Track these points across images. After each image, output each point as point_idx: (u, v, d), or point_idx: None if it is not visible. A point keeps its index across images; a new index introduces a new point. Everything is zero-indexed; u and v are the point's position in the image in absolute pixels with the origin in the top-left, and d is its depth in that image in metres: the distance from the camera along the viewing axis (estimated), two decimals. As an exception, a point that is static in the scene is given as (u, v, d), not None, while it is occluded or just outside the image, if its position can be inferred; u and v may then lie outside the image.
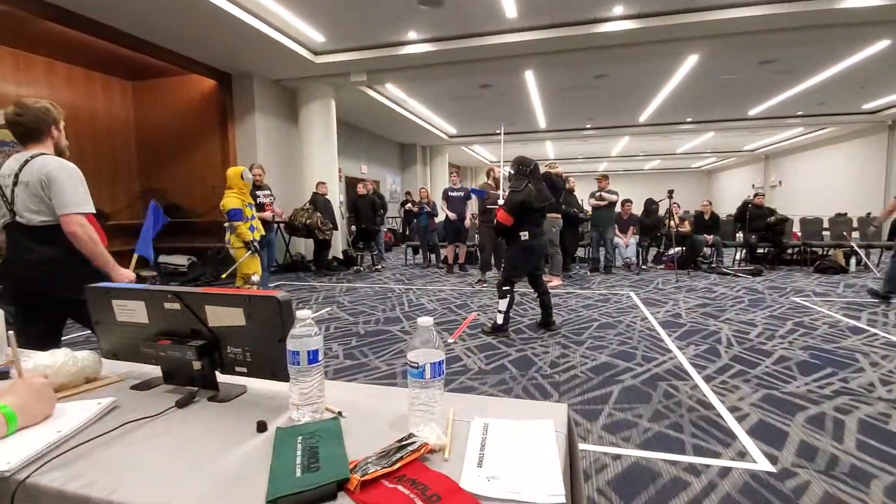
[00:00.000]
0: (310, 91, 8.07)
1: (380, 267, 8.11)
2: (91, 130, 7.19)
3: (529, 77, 8.20)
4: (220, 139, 7.83)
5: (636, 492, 1.77)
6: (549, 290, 4.19)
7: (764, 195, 8.30)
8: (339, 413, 0.83)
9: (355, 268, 8.09)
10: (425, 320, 0.77)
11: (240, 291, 0.93)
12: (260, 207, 5.29)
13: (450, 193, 7.19)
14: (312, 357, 0.80)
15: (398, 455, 0.65)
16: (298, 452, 0.67)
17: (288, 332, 0.82)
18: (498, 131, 13.05)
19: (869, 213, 8.53)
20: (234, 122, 7.69)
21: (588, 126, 12.88)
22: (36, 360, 0.94)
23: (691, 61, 7.39)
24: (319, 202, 7.41)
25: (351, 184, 11.39)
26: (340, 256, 8.41)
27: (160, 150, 8.03)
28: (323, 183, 7.61)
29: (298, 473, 0.62)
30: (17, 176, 1.88)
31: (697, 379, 2.90)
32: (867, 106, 10.83)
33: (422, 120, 11.61)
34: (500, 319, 3.90)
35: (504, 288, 3.87)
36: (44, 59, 6.63)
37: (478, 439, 0.72)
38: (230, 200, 4.32)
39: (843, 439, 2.14)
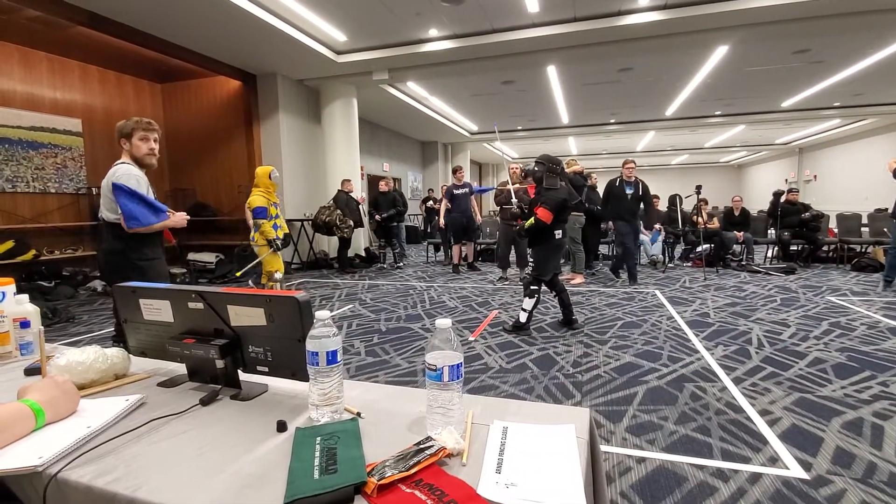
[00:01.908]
0: (332, 90, 8.15)
1: (402, 264, 8.15)
2: (123, 132, 7.43)
3: (552, 72, 8.09)
4: (246, 139, 7.99)
5: (661, 496, 1.73)
6: (569, 288, 4.13)
7: (798, 190, 7.98)
8: (358, 414, 0.83)
9: (378, 265, 8.15)
10: (443, 322, 0.76)
11: (261, 292, 0.94)
12: None
13: (454, 192, 7.11)
14: (331, 358, 0.80)
15: (416, 459, 0.64)
16: (317, 454, 0.68)
17: (307, 332, 0.82)
18: (520, 127, 12.95)
19: (886, 209, 8.11)
20: (258, 122, 7.84)
21: (612, 121, 12.64)
22: (69, 357, 0.97)
23: (720, 52, 7.16)
24: (342, 200, 7.49)
25: (373, 182, 11.50)
26: (363, 254, 8.48)
27: (188, 150, 8.25)
28: (348, 180, 7.67)
29: (316, 475, 0.62)
30: (106, 184, 2.42)
31: (726, 381, 2.82)
32: (910, 95, 10.29)
33: (443, 117, 11.60)
34: (523, 318, 3.87)
35: (532, 287, 3.83)
36: (78, 63, 6.89)
37: (497, 444, 0.70)
38: (256, 199, 4.41)
39: (882, 446, 2.05)
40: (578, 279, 6.22)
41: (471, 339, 3.78)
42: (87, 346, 1.02)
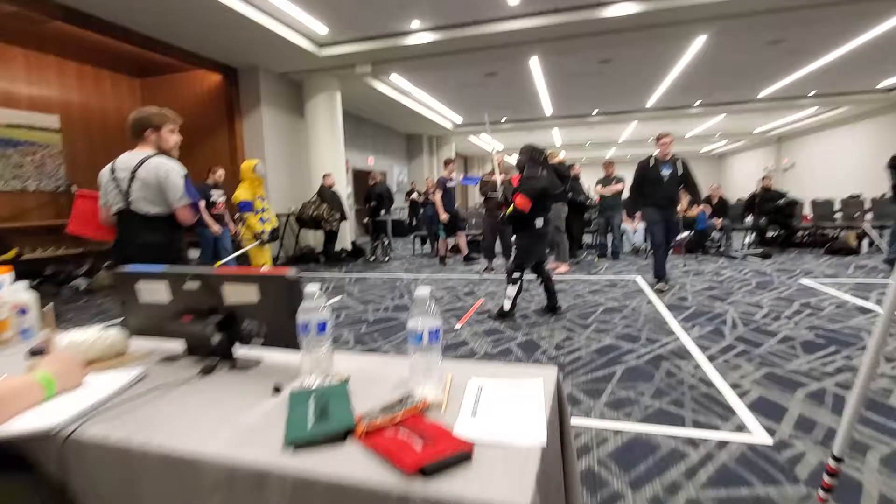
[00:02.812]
0: (315, 84, 8.13)
1: (388, 258, 8.20)
2: (102, 127, 7.33)
3: (535, 64, 8.17)
4: (228, 133, 7.94)
5: (635, 463, 1.84)
6: (555, 277, 4.24)
7: (771, 178, 8.24)
8: (347, 378, 0.91)
9: (365, 258, 8.20)
10: (423, 290, 0.84)
11: (253, 271, 1.00)
12: (212, 205, 5.42)
13: (447, 184, 7.17)
14: (321, 328, 0.88)
15: (399, 408, 0.72)
16: (311, 409, 0.75)
17: (298, 306, 0.89)
18: (504, 119, 13.02)
19: (884, 195, 8.42)
20: (241, 116, 7.79)
21: (595, 112, 12.78)
22: (71, 338, 1.03)
23: (699, 43, 7.30)
24: (326, 194, 7.51)
25: (358, 176, 11.49)
26: (349, 248, 8.52)
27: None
28: (329, 175, 7.70)
29: (311, 424, 0.70)
30: (134, 172, 2.33)
31: (700, 359, 2.95)
32: (882, 84, 10.61)
33: (427, 109, 11.62)
34: (507, 305, 3.97)
35: (514, 275, 3.93)
36: (55, 59, 6.76)
37: (472, 396, 0.79)
38: (241, 192, 4.44)
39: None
40: (563, 268, 6.34)
41: (457, 326, 3.87)
42: (87, 328, 1.08)
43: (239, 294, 0.98)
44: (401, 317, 4.25)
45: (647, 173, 4.93)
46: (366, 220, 8.22)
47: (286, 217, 7.90)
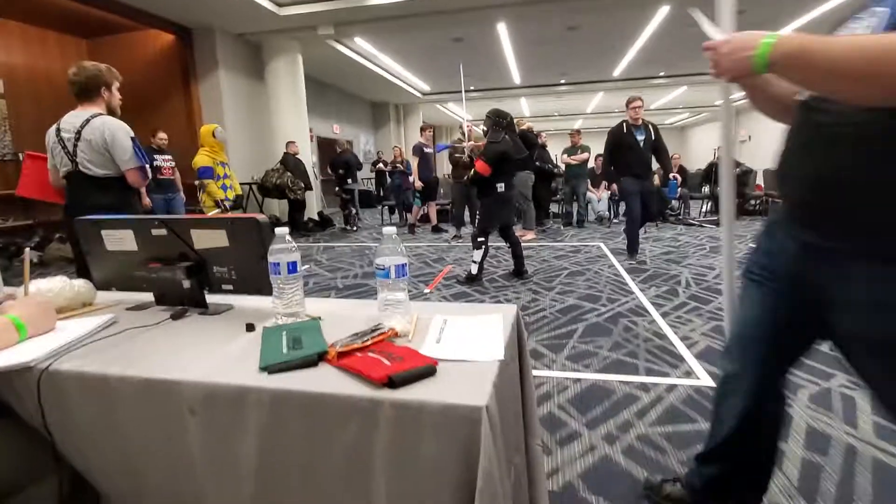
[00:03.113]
0: (275, 46, 7.79)
1: (356, 228, 8.14)
2: (49, 91, 6.82)
3: (502, 29, 8.08)
4: (184, 98, 7.56)
5: (592, 406, 1.98)
6: (522, 243, 4.35)
7: (727, 149, 8.57)
8: (319, 318, 0.95)
9: (345, 227, 8.08)
10: (389, 230, 0.88)
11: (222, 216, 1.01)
12: (157, 170, 5.29)
13: (424, 150, 7.11)
14: (292, 268, 0.91)
15: (369, 335, 0.77)
16: (284, 341, 0.79)
17: (268, 249, 0.92)
18: (472, 87, 12.89)
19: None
20: (197, 80, 7.42)
21: (562, 81, 12.81)
22: (38, 285, 1.02)
23: (662, 13, 7.38)
24: (290, 162, 7.32)
25: (323, 144, 11.20)
26: (316, 218, 8.39)
27: (122, 110, 7.72)
28: (293, 142, 7.50)
29: (285, 351, 0.74)
30: (79, 132, 2.25)
31: (655, 315, 3.14)
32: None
33: (393, 76, 11.35)
34: (474, 270, 4.06)
35: (479, 239, 4.01)
36: (-7, 17, 6.22)
37: (438, 327, 0.85)
38: (200, 158, 4.29)
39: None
40: (529, 235, 6.48)
41: (426, 290, 3.94)
42: (53, 277, 1.07)
43: (208, 239, 0.99)
44: (370, 283, 4.28)
45: (620, 139, 4.69)
46: (336, 189, 8.08)
47: (248, 186, 7.68)
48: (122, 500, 0.84)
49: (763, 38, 0.66)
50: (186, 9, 6.47)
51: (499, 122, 3.92)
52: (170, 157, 5.69)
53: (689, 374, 2.26)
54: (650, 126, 4.72)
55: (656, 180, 7.01)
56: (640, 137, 4.63)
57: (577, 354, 2.52)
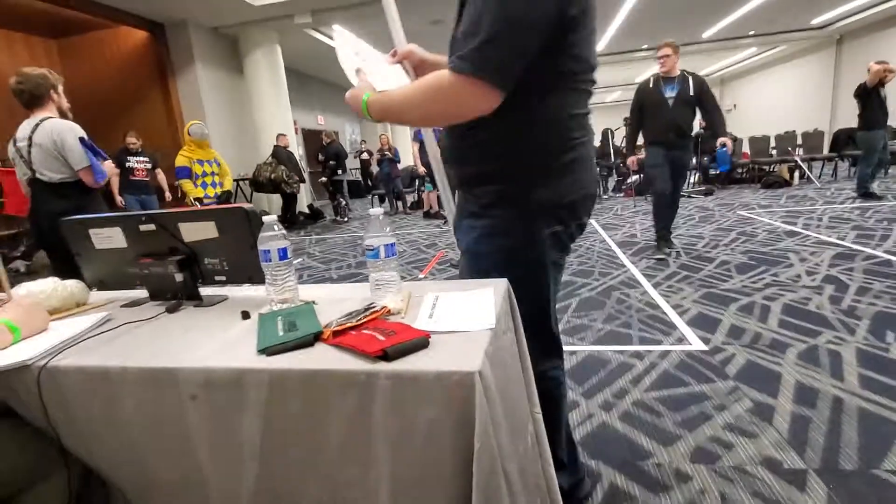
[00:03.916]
0: (252, 38, 7.65)
1: (346, 219, 8.11)
2: (19, 96, 6.70)
3: (482, 9, 7.96)
4: (162, 96, 7.43)
5: (588, 376, 2.02)
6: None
7: (713, 118, 8.58)
8: (313, 302, 0.96)
9: (335, 218, 8.04)
10: (376, 211, 0.89)
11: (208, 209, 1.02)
12: (130, 172, 5.27)
13: (421, 136, 7.02)
14: (282, 254, 0.92)
15: (363, 314, 0.79)
16: (280, 325, 0.80)
17: (257, 238, 0.93)
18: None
19: (815, 129, 9.04)
20: (174, 77, 7.28)
21: (546, 59, 12.68)
22: (29, 287, 1.02)
23: (642, -17, 7.32)
24: (282, 155, 7.24)
25: (308, 136, 11.08)
26: (306, 210, 8.35)
27: (95, 113, 7.54)
28: (283, 135, 7.41)
29: (281, 334, 0.76)
30: (30, 139, 2.24)
31: (647, 286, 3.18)
32: (815, 21, 11.04)
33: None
34: (466, 252, 4.07)
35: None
36: (-47, 19, 6.04)
37: (430, 304, 0.86)
38: (178, 158, 4.28)
39: (768, 320, 2.46)
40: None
41: (420, 276, 3.96)
42: (45, 278, 1.07)
43: (197, 232, 0.99)
44: (364, 272, 4.29)
45: (645, 97, 3.77)
46: (323, 179, 8.01)
47: (236, 182, 7.60)
48: (131, 491, 0.85)
49: (363, 94, 0.99)
50: (157, 3, 6.32)
51: None
52: (146, 158, 5.60)
53: (681, 340, 2.31)
54: (688, 78, 3.65)
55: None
56: (670, 94, 3.62)
57: (572, 328, 2.56)
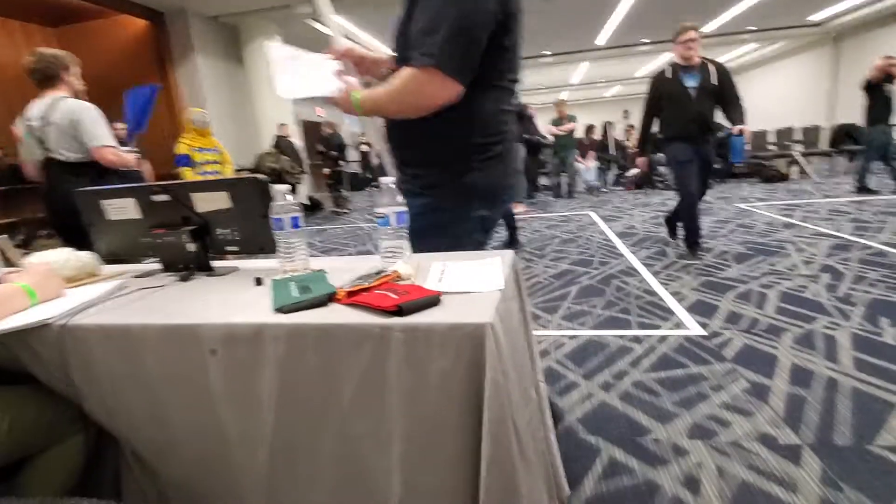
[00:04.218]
0: (252, 27, 7.62)
1: (347, 210, 8.12)
2: (17, 84, 6.65)
3: (483, 1, 7.94)
4: (162, 84, 7.39)
5: (588, 359, 2.05)
6: (514, 214, 4.39)
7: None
8: (324, 270, 0.99)
9: (331, 210, 8.04)
10: (387, 179, 0.91)
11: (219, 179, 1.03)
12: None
13: None
14: (294, 223, 0.94)
15: (374, 277, 0.81)
16: (293, 288, 0.83)
17: (269, 208, 0.95)
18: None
19: (813, 124, 9.08)
20: (173, 66, 7.25)
21: (546, 52, 12.67)
22: (43, 256, 1.04)
23: (643, -24, 7.30)
24: (284, 145, 7.23)
25: (306, 128, 11.04)
26: (306, 202, 8.35)
27: (94, 101, 7.48)
28: (285, 125, 7.39)
29: (295, 295, 0.78)
30: (46, 118, 2.23)
31: (646, 274, 3.21)
32: (813, 17, 11.04)
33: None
34: (467, 241, 4.10)
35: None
36: (-49, 6, 5.99)
37: (438, 270, 0.89)
38: (178, 146, 4.28)
39: (765, 307, 2.49)
40: (520, 208, 6.51)
41: (421, 264, 3.99)
42: (58, 249, 1.08)
43: (210, 202, 1.01)
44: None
45: (663, 88, 3.38)
46: (326, 171, 8.01)
47: (236, 173, 7.59)
48: (148, 449, 0.88)
49: (353, 93, 1.09)
50: (158, -9, 6.28)
51: None
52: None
53: (679, 325, 2.34)
54: (710, 67, 3.27)
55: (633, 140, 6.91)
56: (692, 84, 3.24)
57: (572, 314, 2.59)
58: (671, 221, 3.96)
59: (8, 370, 0.89)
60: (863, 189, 5.84)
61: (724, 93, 3.31)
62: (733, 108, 3.32)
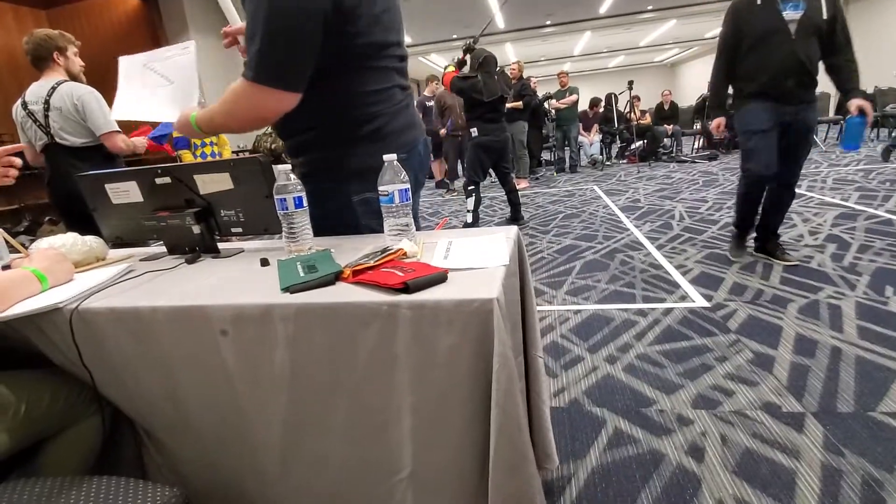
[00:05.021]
0: (247, 4, 7.44)
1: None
2: (10, 67, 6.57)
3: (482, -30, 7.72)
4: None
5: (593, 333, 2.07)
6: (518, 190, 4.36)
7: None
8: (329, 249, 0.99)
9: None
10: (389, 157, 0.90)
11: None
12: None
13: (427, 104, 6.87)
14: (298, 202, 0.94)
15: (380, 255, 0.81)
16: (300, 267, 0.83)
17: (272, 187, 0.94)
18: (455, 36, 12.45)
19: (822, 91, 8.88)
20: (167, 46, 7.13)
21: (548, 23, 12.36)
22: (50, 241, 1.05)
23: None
24: (280, 126, 7.15)
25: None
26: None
27: (88, 83, 7.45)
28: (281, 103, 7.29)
29: (302, 274, 0.78)
30: (47, 102, 2.20)
31: (651, 248, 3.21)
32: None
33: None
34: (469, 218, 4.09)
35: (469, 188, 4.03)
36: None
37: (444, 247, 0.89)
38: None
39: (770, 278, 2.49)
40: (523, 184, 6.47)
41: (425, 243, 3.99)
42: (64, 234, 1.09)
43: (212, 184, 1.01)
44: (368, 240, 4.32)
45: (748, 22, 2.38)
46: None
47: (235, 154, 7.55)
48: (163, 428, 0.90)
49: (190, 115, 1.06)
50: (148, -32, 6.12)
51: (472, 63, 3.82)
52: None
53: (683, 298, 2.35)
54: None
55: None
56: (792, 15, 2.26)
57: (576, 289, 2.60)
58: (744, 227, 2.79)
59: (23, 354, 0.91)
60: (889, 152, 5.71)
61: (833, 35, 2.30)
62: (844, 61, 2.34)
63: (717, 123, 2.72)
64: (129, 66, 1.20)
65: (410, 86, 1.21)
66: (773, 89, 2.36)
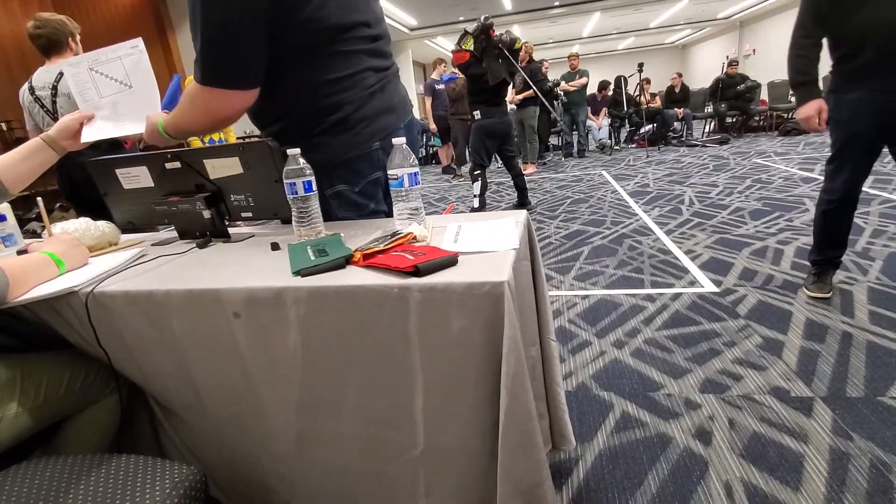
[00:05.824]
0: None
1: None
2: (17, 53, 6.57)
3: (489, -50, 7.55)
4: (163, 51, 7.26)
5: (601, 318, 2.07)
6: (524, 174, 4.33)
7: (737, 63, 8.21)
8: (339, 233, 0.99)
9: None
10: (398, 140, 0.90)
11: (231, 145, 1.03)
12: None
13: (436, 86, 6.77)
14: (307, 187, 0.94)
15: (389, 239, 0.81)
16: (310, 252, 0.84)
17: (282, 172, 0.94)
18: (462, 18, 12.24)
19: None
20: (173, 31, 7.10)
21: (556, 3, 12.11)
22: (63, 226, 1.06)
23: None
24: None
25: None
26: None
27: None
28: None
29: (313, 258, 0.79)
30: (55, 88, 2.16)
31: (659, 233, 3.18)
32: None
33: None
34: (476, 203, 4.08)
35: (475, 172, 4.01)
36: (-57, -26, 5.86)
37: (453, 232, 0.89)
38: None
39: (781, 263, 2.47)
40: (531, 169, 6.42)
41: (432, 228, 3.99)
42: (77, 219, 1.10)
43: (222, 168, 1.01)
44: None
45: None
46: None
47: (240, 139, 7.54)
48: (181, 410, 0.92)
49: (157, 122, 1.04)
50: (152, -49, 6.06)
51: (476, 46, 3.78)
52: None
53: (692, 283, 2.33)
54: None
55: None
56: None
57: (584, 274, 2.60)
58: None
59: (42, 337, 0.93)
60: None
61: None
62: None
63: (807, 114, 1.81)
64: (76, 73, 1.14)
65: (393, 66, 1.14)
66: (875, 71, 1.62)
